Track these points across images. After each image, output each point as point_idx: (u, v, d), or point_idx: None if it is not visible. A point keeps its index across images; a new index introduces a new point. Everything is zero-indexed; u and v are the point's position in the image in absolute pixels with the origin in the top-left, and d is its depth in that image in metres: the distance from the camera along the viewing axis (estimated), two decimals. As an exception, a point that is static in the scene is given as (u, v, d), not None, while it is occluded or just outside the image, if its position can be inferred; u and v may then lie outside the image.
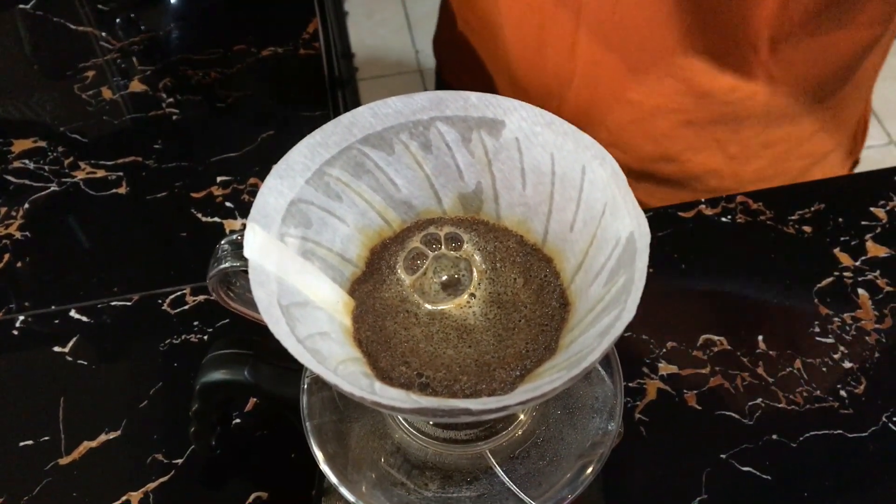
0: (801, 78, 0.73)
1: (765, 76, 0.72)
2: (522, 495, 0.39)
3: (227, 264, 0.36)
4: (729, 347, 0.61)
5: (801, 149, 0.80)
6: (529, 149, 0.38)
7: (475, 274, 0.38)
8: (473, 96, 0.38)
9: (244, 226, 0.71)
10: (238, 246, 0.35)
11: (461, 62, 0.91)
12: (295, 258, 0.35)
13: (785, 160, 0.80)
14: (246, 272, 0.34)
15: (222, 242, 0.36)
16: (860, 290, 0.64)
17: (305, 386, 0.43)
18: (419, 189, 0.39)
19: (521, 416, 0.42)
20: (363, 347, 0.36)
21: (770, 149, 0.78)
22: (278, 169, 0.36)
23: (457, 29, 0.89)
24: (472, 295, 0.38)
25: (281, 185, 0.36)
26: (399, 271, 0.38)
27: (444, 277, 0.38)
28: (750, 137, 0.77)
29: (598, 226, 0.35)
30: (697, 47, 0.70)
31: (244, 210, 0.71)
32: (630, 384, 0.60)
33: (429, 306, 0.37)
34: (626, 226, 0.34)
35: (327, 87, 0.82)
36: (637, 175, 0.82)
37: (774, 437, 0.57)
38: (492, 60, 0.85)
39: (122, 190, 0.74)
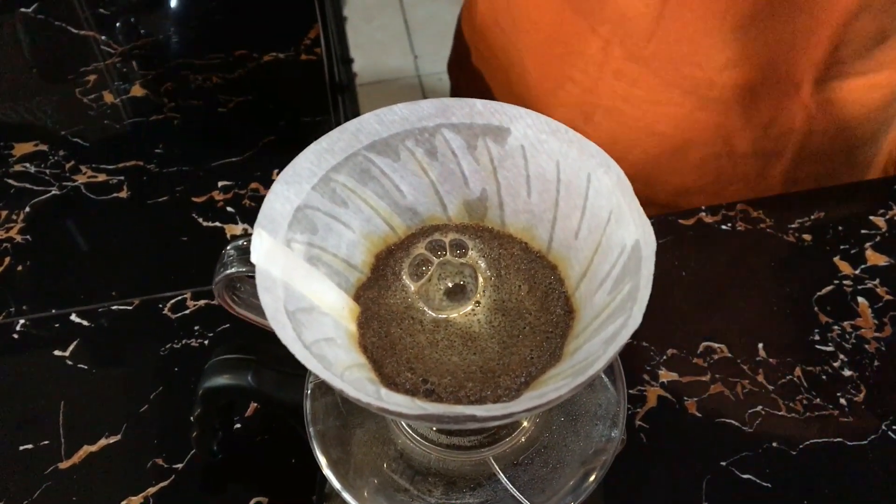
0: (839, 119, 0.71)
1: (803, 115, 0.70)
2: (526, 502, 0.39)
3: (233, 270, 0.36)
4: (729, 355, 0.62)
5: (830, 183, 0.78)
6: (535, 156, 0.38)
7: (480, 281, 0.38)
8: (479, 103, 0.38)
9: (245, 230, 0.71)
10: (244, 251, 0.35)
11: (476, 89, 0.90)
12: (301, 264, 0.35)
13: None
14: (251, 278, 0.34)
15: (228, 248, 0.36)
16: (860, 299, 0.64)
17: (309, 391, 0.43)
18: (424, 195, 0.39)
19: (525, 423, 0.42)
20: (368, 353, 0.36)
21: (800, 185, 0.77)
22: (285, 175, 0.36)
23: (471, 58, 0.89)
24: (477, 303, 0.38)
25: (287, 191, 0.36)
26: (404, 278, 0.38)
27: (450, 284, 0.38)
28: (781, 173, 0.76)
29: (604, 233, 0.36)
30: (737, 83, 0.68)
31: (245, 215, 0.71)
32: (630, 391, 0.60)
33: (434, 314, 0.37)
34: (632, 233, 0.34)
35: (328, 92, 0.82)
36: (661, 207, 0.80)
37: (774, 444, 0.57)
38: (507, 91, 0.83)
39: (123, 194, 0.74)
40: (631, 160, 0.76)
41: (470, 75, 0.90)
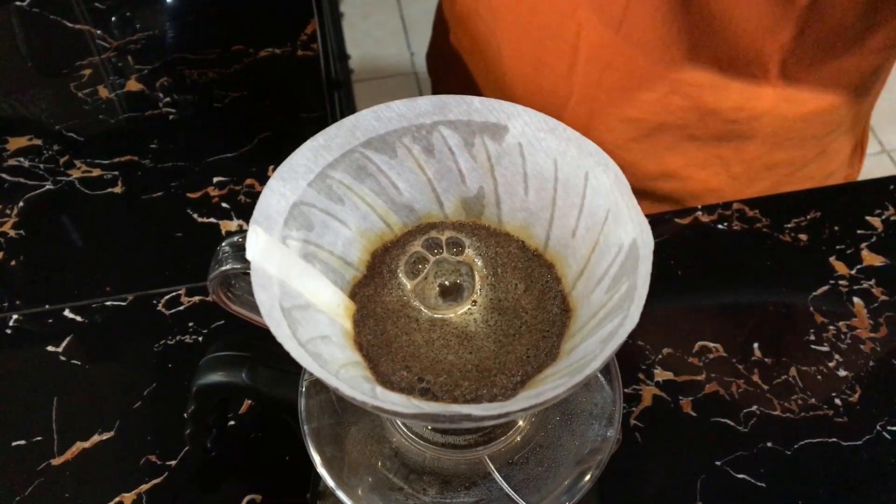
0: (809, 101, 0.72)
1: (773, 98, 0.71)
2: (521, 501, 0.39)
3: (228, 266, 0.35)
4: (724, 354, 0.61)
5: (803, 172, 0.79)
6: (532, 154, 0.38)
7: (476, 280, 0.38)
8: (477, 101, 0.38)
9: (240, 226, 0.71)
10: (239, 248, 0.35)
11: (455, 79, 0.90)
12: (297, 261, 0.35)
13: (787, 183, 0.79)
14: (246, 274, 0.34)
15: (223, 244, 0.36)
16: (855, 299, 0.64)
17: (304, 389, 0.43)
18: (421, 193, 0.39)
19: (520, 422, 0.42)
20: (364, 351, 0.36)
21: (773, 171, 0.78)
22: (281, 171, 0.36)
23: (450, 47, 0.89)
24: (474, 302, 0.38)
25: (283, 188, 0.36)
26: (400, 275, 0.38)
27: (446, 283, 0.38)
28: (754, 158, 0.76)
29: (601, 232, 0.35)
30: (706, 65, 0.69)
31: (240, 211, 0.71)
32: (626, 390, 0.60)
33: (430, 313, 0.37)
34: (629, 232, 0.34)
35: (324, 88, 0.82)
36: (635, 193, 0.80)
37: (769, 444, 0.57)
38: (485, 79, 0.84)
39: (118, 189, 0.73)
40: (605, 146, 0.76)
41: (449, 64, 0.90)
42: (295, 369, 0.44)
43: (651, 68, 0.71)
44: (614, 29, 0.69)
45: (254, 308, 0.37)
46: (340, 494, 0.41)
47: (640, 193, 0.80)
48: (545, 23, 0.73)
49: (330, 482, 0.41)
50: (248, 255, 0.33)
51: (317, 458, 0.41)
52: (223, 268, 0.36)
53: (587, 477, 0.40)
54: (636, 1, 0.66)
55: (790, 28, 0.65)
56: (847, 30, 0.66)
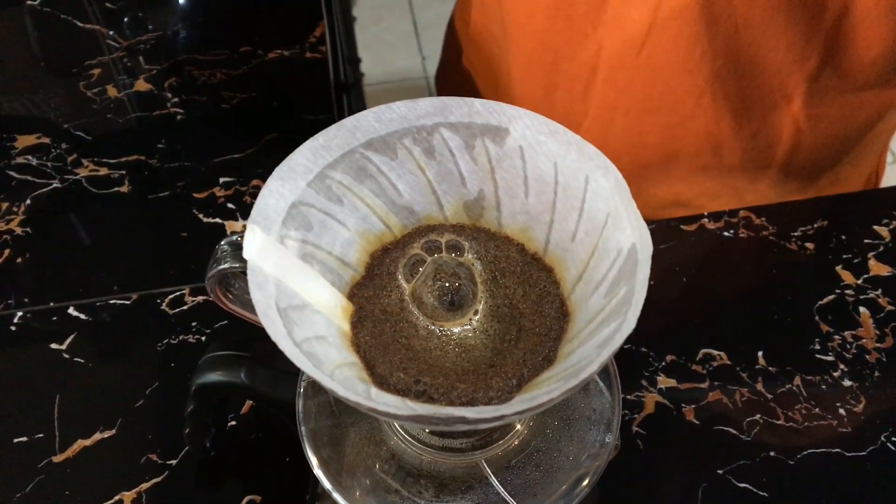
0: (826, 134, 0.71)
1: (791, 128, 0.70)
2: (517, 506, 0.39)
3: (225, 265, 0.35)
4: (728, 362, 0.61)
5: None
6: (533, 157, 0.37)
7: (475, 289, 0.38)
8: (478, 103, 0.38)
9: (245, 227, 0.71)
10: (237, 247, 0.35)
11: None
12: (294, 261, 0.35)
13: None
14: (245, 274, 0.34)
15: (222, 243, 0.36)
16: (861, 309, 0.64)
17: (301, 390, 0.43)
18: (421, 195, 0.39)
19: (518, 427, 0.42)
20: (361, 353, 0.36)
21: (786, 199, 0.77)
22: (280, 170, 0.36)
23: (461, 67, 0.88)
24: (475, 311, 0.37)
25: (282, 187, 0.36)
26: (399, 278, 0.38)
27: (445, 284, 0.38)
28: (767, 188, 0.76)
29: (600, 236, 0.35)
30: (728, 92, 0.68)
31: (246, 211, 0.71)
32: (628, 397, 0.59)
33: (430, 324, 0.37)
34: (628, 237, 0.34)
35: (332, 90, 0.82)
36: (646, 221, 0.79)
37: (772, 454, 0.57)
38: (494, 100, 0.84)
39: (125, 188, 0.73)
40: (619, 170, 0.75)
41: (458, 84, 0.90)
42: (293, 370, 0.44)
43: (670, 92, 0.70)
44: (636, 51, 0.68)
45: (252, 308, 0.37)
46: (337, 497, 0.41)
47: (650, 221, 0.80)
48: (560, 45, 0.72)
49: (326, 484, 0.41)
50: (245, 254, 0.33)
51: (314, 460, 0.41)
52: (221, 266, 0.36)
53: (584, 483, 0.40)
54: (660, 23, 0.65)
55: (816, 57, 0.64)
56: (871, 63, 0.65)
